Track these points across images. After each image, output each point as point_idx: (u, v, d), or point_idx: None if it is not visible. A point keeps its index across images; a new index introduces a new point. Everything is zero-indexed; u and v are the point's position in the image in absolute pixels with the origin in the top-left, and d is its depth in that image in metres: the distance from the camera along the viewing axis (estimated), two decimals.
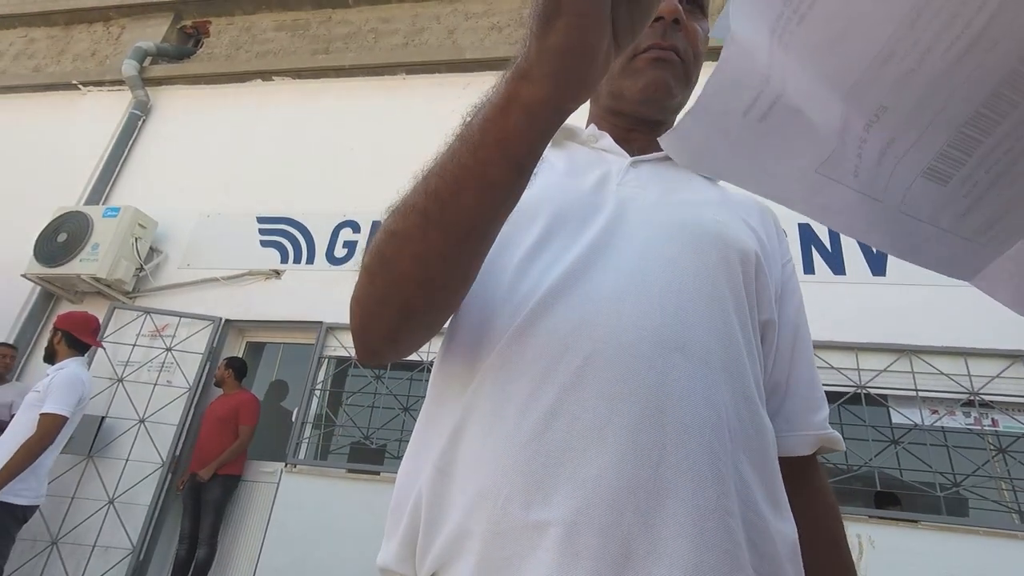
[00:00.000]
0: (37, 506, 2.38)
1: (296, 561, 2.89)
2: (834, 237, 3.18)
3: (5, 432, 2.39)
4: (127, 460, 3.19)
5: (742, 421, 0.43)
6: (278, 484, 3.09)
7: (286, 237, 3.77)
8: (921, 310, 2.81)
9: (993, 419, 2.70)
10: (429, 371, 3.39)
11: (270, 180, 3.97)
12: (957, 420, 2.72)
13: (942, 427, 2.70)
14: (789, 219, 2.97)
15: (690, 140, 0.32)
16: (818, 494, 0.55)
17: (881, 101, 0.27)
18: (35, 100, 4.77)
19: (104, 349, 3.23)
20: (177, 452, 3.24)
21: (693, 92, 0.58)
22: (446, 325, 0.50)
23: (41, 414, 2.33)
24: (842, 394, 2.77)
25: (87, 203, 4.01)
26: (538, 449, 0.39)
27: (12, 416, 2.85)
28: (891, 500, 2.69)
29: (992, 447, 2.68)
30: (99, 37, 5.05)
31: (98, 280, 3.53)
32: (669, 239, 0.48)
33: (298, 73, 4.35)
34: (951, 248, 0.30)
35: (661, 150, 0.59)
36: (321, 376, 3.38)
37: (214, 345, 3.48)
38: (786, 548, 0.43)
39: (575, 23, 0.28)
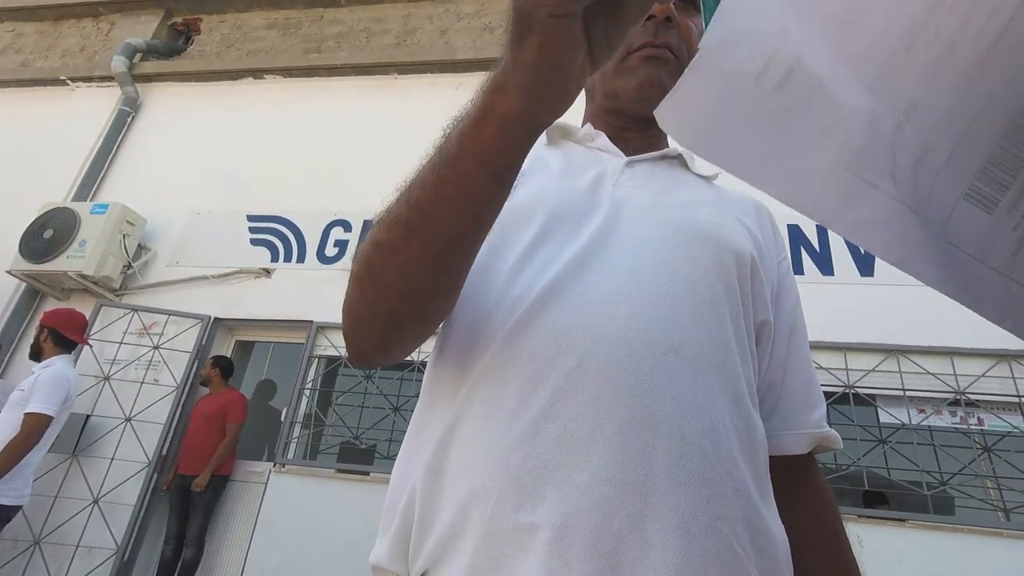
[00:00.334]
0: (21, 506, 2.35)
1: (285, 561, 2.86)
2: (823, 237, 3.20)
3: None
4: (112, 459, 3.15)
5: (734, 423, 0.43)
6: (266, 484, 3.06)
7: (276, 236, 3.75)
8: (908, 310, 2.84)
9: (979, 418, 2.73)
10: (420, 371, 3.39)
11: (261, 178, 3.95)
12: (944, 419, 2.75)
13: (929, 426, 2.72)
14: (778, 217, 3.00)
15: (693, 110, 0.26)
16: (817, 491, 0.55)
17: (909, 97, 0.24)
18: (23, 95, 4.71)
19: (91, 347, 3.19)
20: (164, 451, 3.21)
21: None
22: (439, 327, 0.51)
23: (25, 413, 2.30)
24: (831, 394, 2.79)
25: (75, 199, 3.96)
26: (529, 452, 0.39)
27: None
28: (879, 499, 2.71)
29: (978, 446, 2.71)
30: (88, 33, 5.00)
31: (85, 277, 3.49)
32: (663, 240, 0.48)
33: (289, 72, 4.33)
34: (1009, 295, 0.25)
35: (657, 149, 0.59)
36: (311, 375, 3.36)
37: (202, 343, 3.45)
38: (782, 547, 0.43)
39: (547, 40, 0.28)
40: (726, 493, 0.39)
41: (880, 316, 2.89)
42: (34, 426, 2.29)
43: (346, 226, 3.69)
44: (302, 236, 3.71)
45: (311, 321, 3.38)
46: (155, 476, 3.15)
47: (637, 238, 0.48)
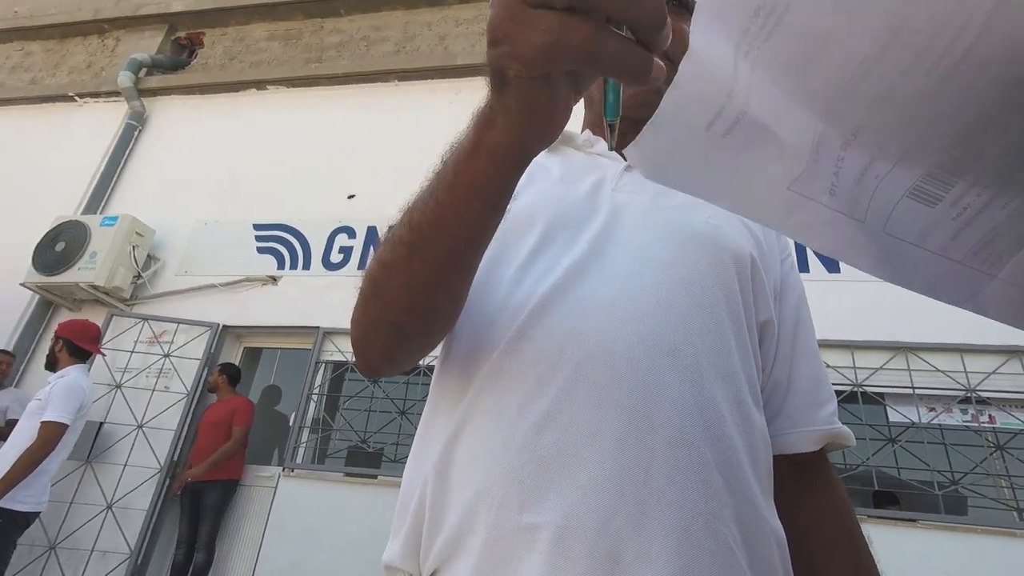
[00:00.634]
0: (39, 512, 2.40)
1: (294, 564, 2.90)
2: None
3: (8, 440, 2.41)
4: (125, 465, 3.21)
5: (735, 423, 0.43)
6: (276, 488, 3.10)
7: (282, 243, 3.79)
8: (917, 307, 2.79)
9: (990, 416, 2.68)
10: (426, 375, 3.41)
11: (266, 187, 4.00)
12: (954, 417, 2.70)
13: (939, 425, 2.68)
14: None
15: (653, 153, 0.31)
16: (829, 489, 0.54)
17: (858, 120, 0.26)
18: (32, 112, 4.82)
19: (104, 356, 3.25)
20: (175, 457, 3.26)
21: None
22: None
23: (42, 422, 2.35)
24: (839, 393, 2.74)
25: (85, 212, 4.05)
26: (532, 454, 0.40)
27: (7, 421, 2.88)
28: (889, 499, 2.68)
29: (990, 444, 2.66)
30: (94, 49, 5.10)
31: (96, 288, 3.56)
32: (662, 244, 0.48)
33: (291, 82, 4.38)
34: (941, 271, 0.29)
35: None
36: (318, 380, 3.39)
37: (211, 351, 3.50)
38: (779, 548, 0.43)
39: (523, 92, 0.29)
40: (724, 493, 0.40)
41: (888, 313, 2.85)
42: (50, 434, 2.34)
43: (350, 232, 3.73)
44: (307, 243, 3.75)
45: (318, 327, 3.42)
46: (167, 481, 3.20)
47: (636, 242, 0.49)
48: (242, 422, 3.14)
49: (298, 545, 2.94)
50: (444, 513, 0.42)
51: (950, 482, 2.56)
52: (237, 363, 3.68)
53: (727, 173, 0.30)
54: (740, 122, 0.28)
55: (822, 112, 0.26)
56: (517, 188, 0.55)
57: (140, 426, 3.31)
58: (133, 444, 3.27)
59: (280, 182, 4.00)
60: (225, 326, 3.60)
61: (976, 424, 2.66)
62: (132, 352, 3.46)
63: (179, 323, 3.55)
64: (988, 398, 2.66)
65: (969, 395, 2.67)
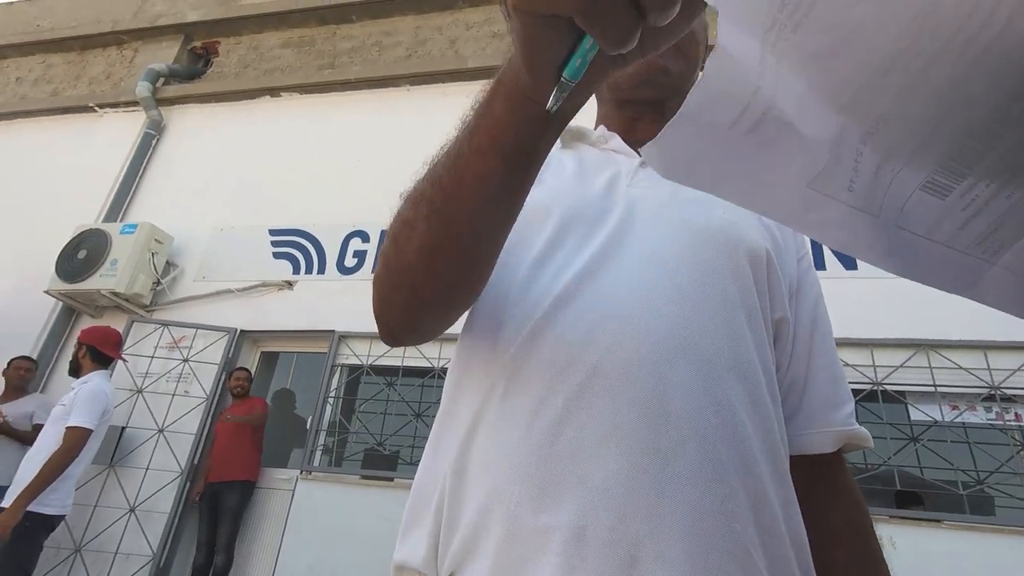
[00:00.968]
0: (64, 515, 2.45)
1: (313, 565, 2.92)
2: None
3: (34, 445, 2.46)
4: (147, 469, 3.27)
5: (752, 421, 0.43)
6: (294, 491, 3.13)
7: (297, 248, 3.84)
8: (937, 303, 2.75)
9: (1016, 413, 2.63)
10: (440, 377, 3.43)
11: (281, 193, 4.05)
12: (978, 415, 2.65)
13: (963, 423, 2.63)
14: None
15: (672, 152, 0.30)
16: (844, 492, 0.54)
17: (880, 113, 0.26)
18: (54, 123, 4.93)
19: (126, 362, 3.31)
20: (195, 460, 3.31)
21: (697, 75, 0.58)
22: (460, 327, 0.51)
23: (67, 428, 2.39)
24: (858, 391, 2.72)
25: (105, 220, 4.12)
26: (547, 454, 0.40)
27: (33, 426, 2.94)
28: (913, 499, 2.63)
29: (1016, 442, 2.61)
30: (113, 60, 5.21)
31: (117, 295, 3.62)
32: (677, 240, 0.48)
33: (305, 88, 4.43)
34: (947, 261, 0.29)
35: None
36: (334, 384, 3.42)
37: (230, 355, 3.55)
38: (798, 549, 0.43)
39: (521, 31, 0.29)
40: (740, 493, 0.40)
41: (907, 310, 2.81)
42: (75, 439, 2.39)
43: (364, 237, 3.76)
44: (322, 248, 3.79)
45: (333, 331, 3.45)
46: (188, 485, 3.25)
47: (651, 239, 0.48)
48: (261, 411, 3.25)
49: (316, 547, 2.96)
50: (460, 514, 0.42)
51: (975, 482, 2.51)
52: (254, 367, 3.73)
53: (746, 171, 0.30)
54: (765, 118, 0.28)
55: (845, 106, 0.26)
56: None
57: (161, 430, 3.36)
58: (154, 448, 3.32)
59: (295, 187, 4.04)
60: (242, 331, 3.64)
61: (1001, 422, 2.61)
62: (152, 357, 3.52)
63: (198, 328, 3.60)
64: (1013, 395, 2.61)
65: (993, 392, 2.62)
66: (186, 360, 3.53)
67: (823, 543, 0.49)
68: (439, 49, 4.39)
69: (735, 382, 0.43)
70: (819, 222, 0.30)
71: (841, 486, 0.54)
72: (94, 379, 2.58)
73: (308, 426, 3.31)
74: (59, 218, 4.13)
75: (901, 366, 2.76)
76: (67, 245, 3.77)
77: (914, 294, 2.84)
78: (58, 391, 3.26)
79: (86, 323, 3.71)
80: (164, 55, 4.95)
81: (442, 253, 0.39)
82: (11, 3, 5.89)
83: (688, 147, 0.30)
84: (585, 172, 0.56)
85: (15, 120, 5.09)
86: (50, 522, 2.38)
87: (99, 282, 3.59)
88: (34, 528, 2.31)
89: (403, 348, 3.32)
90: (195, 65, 5.08)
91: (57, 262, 3.71)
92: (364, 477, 3.11)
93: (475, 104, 0.36)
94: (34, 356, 3.60)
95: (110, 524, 3.17)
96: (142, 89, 4.52)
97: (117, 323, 3.47)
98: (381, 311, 0.44)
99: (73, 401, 2.46)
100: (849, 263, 3.06)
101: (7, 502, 2.26)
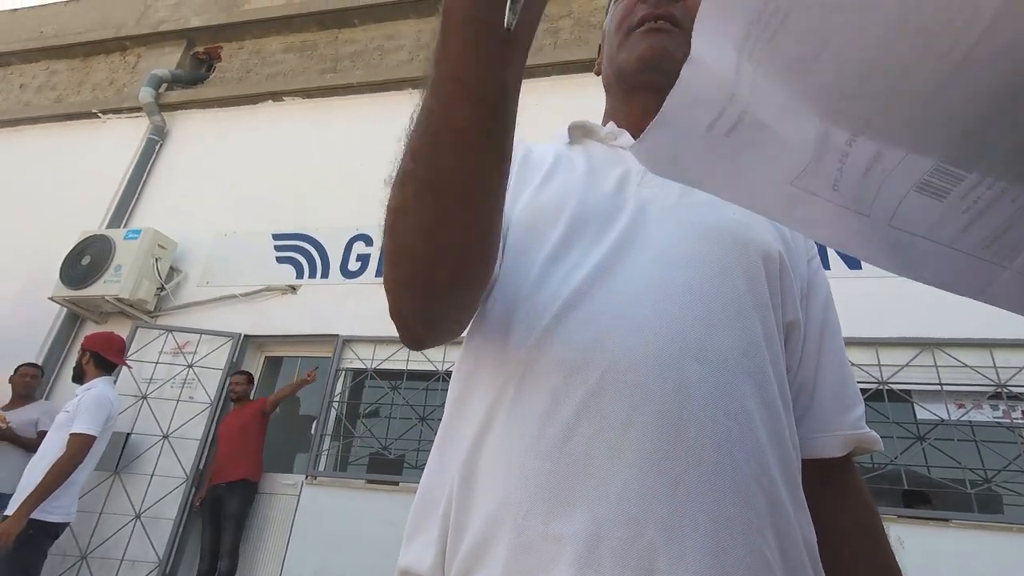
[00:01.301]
0: (68, 522, 2.44)
1: (318, 572, 2.91)
2: None
3: (38, 452, 2.46)
4: (152, 475, 3.26)
5: (765, 427, 0.42)
6: (299, 496, 3.12)
7: (301, 253, 3.84)
8: (942, 302, 2.74)
9: (1023, 411, 2.62)
10: (444, 380, 3.43)
11: (284, 198, 4.05)
12: (985, 413, 2.65)
13: (969, 421, 2.63)
14: None
15: (657, 151, 0.32)
16: (853, 493, 0.53)
17: (865, 116, 0.26)
18: (58, 129, 4.95)
19: (130, 368, 3.31)
20: (200, 466, 3.30)
21: None
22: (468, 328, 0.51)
23: (70, 434, 2.38)
24: (864, 391, 2.70)
25: (109, 226, 4.13)
26: (559, 461, 0.39)
27: (38, 433, 2.94)
28: (920, 499, 2.62)
29: (1023, 440, 2.60)
30: (116, 66, 5.23)
31: (121, 300, 3.63)
32: (688, 242, 0.47)
33: (307, 93, 4.45)
34: (952, 263, 0.29)
35: None
36: (338, 388, 3.42)
37: (234, 360, 3.55)
38: (810, 555, 0.43)
39: None
40: (756, 499, 0.39)
41: (912, 309, 2.81)
42: (79, 446, 2.38)
43: (367, 240, 3.76)
44: (325, 252, 3.80)
45: (337, 335, 3.45)
46: (192, 491, 3.24)
47: (662, 240, 0.48)
48: (267, 400, 3.28)
49: (322, 552, 2.95)
50: (468, 520, 0.41)
51: (983, 480, 2.50)
52: (258, 372, 3.73)
53: (730, 170, 0.31)
54: (742, 122, 0.29)
55: (827, 110, 0.26)
56: (541, 178, 0.55)
57: (166, 436, 3.36)
58: (159, 454, 3.32)
59: (298, 192, 4.05)
60: (246, 336, 3.64)
61: (1008, 420, 2.61)
62: (157, 363, 3.52)
63: (202, 334, 3.60)
64: (1020, 393, 2.61)
65: (1000, 390, 2.61)
66: (190, 365, 3.53)
67: (832, 545, 0.49)
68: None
69: (749, 386, 0.43)
70: (804, 218, 0.31)
71: (851, 488, 0.54)
72: (98, 385, 2.57)
73: (313, 431, 3.30)
74: (63, 224, 4.14)
75: (907, 365, 2.76)
76: (71, 251, 3.78)
77: (919, 293, 2.84)
78: (63, 398, 3.26)
79: (90, 329, 3.71)
80: (167, 61, 4.97)
81: (441, 227, 0.36)
82: (15, 10, 5.92)
83: (670, 147, 0.31)
84: (595, 170, 0.55)
85: (19, 127, 5.10)
86: (54, 529, 2.37)
87: (103, 288, 3.60)
88: (38, 536, 2.30)
89: (407, 352, 3.32)
90: (198, 70, 5.10)
91: (61, 268, 3.72)
92: (369, 481, 3.10)
93: (430, 55, 0.33)
94: (39, 363, 3.59)
95: (116, 531, 3.16)
96: (145, 95, 4.54)
97: (121, 329, 3.47)
98: (398, 311, 0.42)
99: (77, 408, 2.46)
100: (853, 263, 3.06)
101: (12, 510, 2.25)
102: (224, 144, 4.47)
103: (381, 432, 3.27)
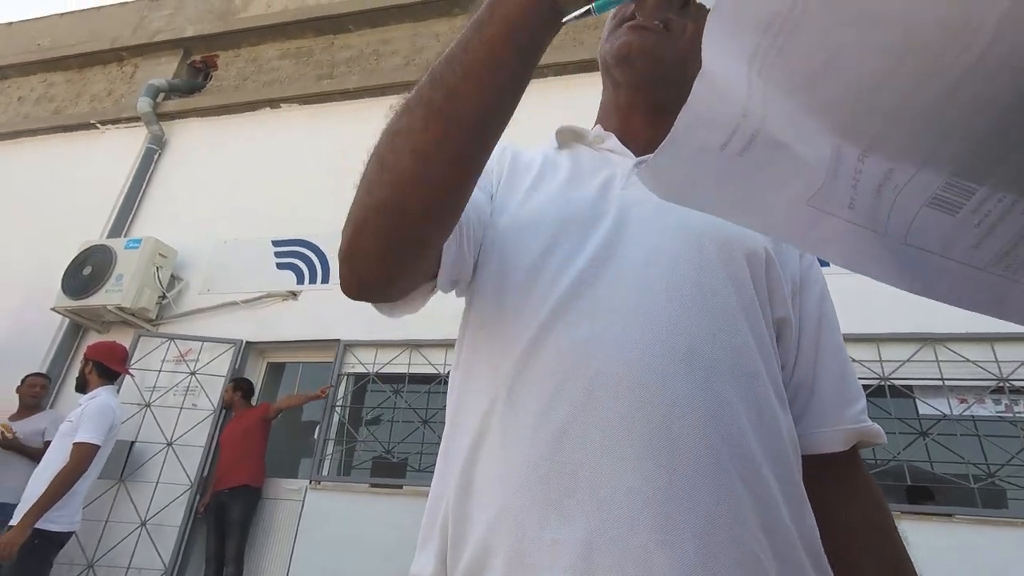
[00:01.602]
0: (73, 532, 2.45)
1: (324, 575, 2.92)
2: None
3: (41, 462, 2.47)
4: (157, 483, 3.27)
5: (753, 426, 0.43)
6: (303, 501, 3.13)
7: (301, 259, 3.85)
8: None
9: None
10: (447, 383, 3.41)
11: (283, 204, 4.06)
12: (987, 408, 2.64)
13: (972, 416, 2.62)
14: None
15: (668, 175, 0.31)
16: (861, 488, 0.53)
17: (875, 132, 0.26)
18: (57, 141, 4.97)
19: (132, 376, 3.32)
20: (204, 473, 3.32)
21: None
22: (459, 333, 0.51)
23: (74, 443, 2.39)
24: (866, 387, 2.70)
25: (110, 236, 4.15)
26: (551, 468, 0.40)
27: (44, 443, 2.96)
28: (924, 494, 2.62)
29: None
30: (114, 77, 5.25)
31: (123, 310, 3.64)
32: (672, 242, 0.48)
33: (304, 99, 4.46)
34: (966, 279, 0.29)
35: None
36: (341, 393, 3.43)
37: (236, 367, 3.56)
38: (808, 549, 0.43)
39: None
40: (746, 499, 0.40)
41: (913, 304, 2.78)
42: (83, 455, 2.39)
43: None
44: (325, 257, 3.81)
45: (338, 340, 3.46)
46: (197, 498, 3.25)
47: (646, 243, 0.48)
48: (270, 407, 3.29)
49: (327, 556, 2.96)
50: (467, 531, 0.42)
51: (986, 474, 2.50)
52: (260, 378, 3.74)
53: (744, 191, 0.30)
54: (756, 140, 0.28)
55: (838, 125, 0.26)
56: (527, 187, 0.55)
57: (170, 443, 3.37)
58: (164, 462, 3.33)
59: (296, 198, 4.06)
60: (248, 342, 3.65)
61: (1010, 414, 2.60)
62: (160, 371, 3.54)
63: (204, 341, 3.62)
64: (1022, 387, 2.60)
65: (1002, 385, 2.61)
66: (193, 373, 3.55)
67: (841, 541, 0.49)
68: (436, 56, 4.40)
69: (737, 386, 0.43)
70: (820, 239, 0.30)
71: (858, 483, 0.53)
72: (101, 394, 2.58)
73: (316, 436, 3.31)
74: (64, 235, 4.16)
75: (908, 360, 2.75)
76: (73, 262, 3.79)
77: None
78: (67, 407, 3.27)
79: (93, 339, 3.73)
80: (164, 70, 4.99)
81: (439, 153, 0.37)
82: (10, 23, 5.95)
83: (682, 170, 0.30)
84: (579, 176, 0.55)
85: (18, 139, 5.13)
86: (58, 539, 2.38)
87: (105, 298, 3.61)
88: (43, 545, 2.31)
89: (408, 356, 3.33)
90: (194, 79, 5.11)
91: (63, 279, 3.73)
92: (373, 485, 3.11)
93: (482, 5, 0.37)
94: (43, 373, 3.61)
95: (122, 539, 3.17)
96: (143, 105, 4.56)
97: (124, 338, 3.49)
98: (353, 244, 0.41)
99: (80, 417, 2.47)
100: None
101: (16, 520, 2.27)
102: (222, 152, 4.48)
103: (384, 436, 3.28)
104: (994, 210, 0.26)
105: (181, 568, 3.18)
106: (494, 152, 0.42)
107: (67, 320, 3.90)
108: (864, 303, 2.82)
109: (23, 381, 3.25)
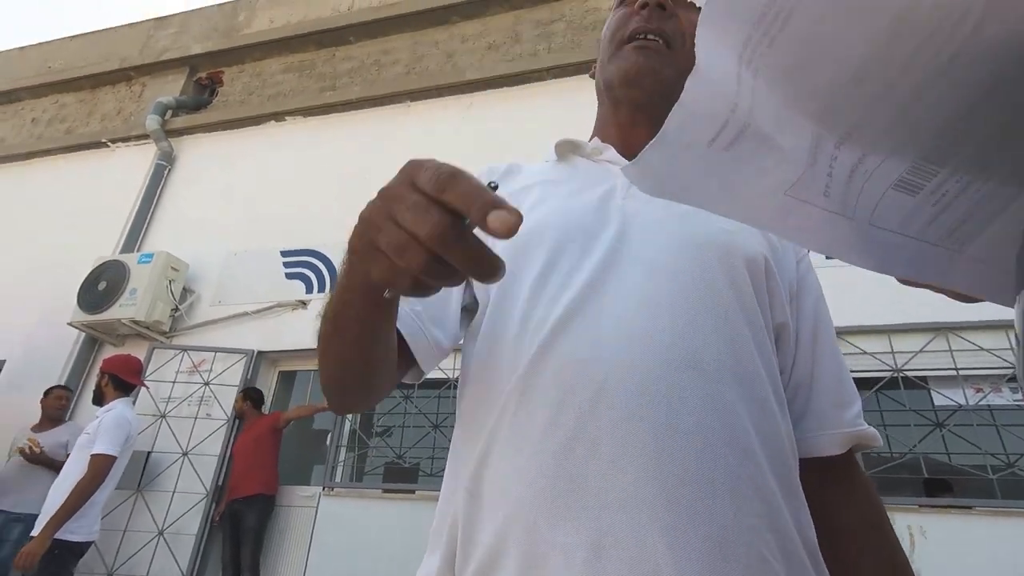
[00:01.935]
0: (92, 541, 2.49)
1: None
2: None
3: (60, 474, 2.52)
4: (174, 492, 3.32)
5: (758, 430, 0.44)
6: (317, 507, 3.15)
7: (309, 268, 3.90)
8: None
9: None
10: (455, 387, 3.44)
11: (291, 215, 4.12)
12: (1004, 397, 2.59)
13: (988, 405, 2.58)
14: None
15: (652, 172, 0.32)
16: (858, 490, 0.54)
17: (855, 119, 0.26)
18: (69, 160, 5.09)
19: (147, 388, 3.38)
20: (220, 482, 3.35)
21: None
22: (464, 348, 0.53)
23: (92, 455, 2.43)
24: (878, 379, 2.68)
25: (123, 251, 4.23)
26: (559, 474, 0.41)
27: (68, 455, 3.01)
28: (942, 487, 2.57)
29: None
30: (123, 96, 5.37)
31: (137, 323, 3.71)
32: (674, 253, 0.49)
33: (308, 111, 4.52)
34: (920, 253, 0.30)
35: None
36: None
37: (248, 376, 3.60)
38: (809, 550, 0.44)
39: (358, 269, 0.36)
40: (753, 502, 0.41)
41: (923, 295, 2.68)
42: (100, 466, 2.43)
43: None
44: (333, 266, 3.85)
45: None
46: (213, 506, 3.29)
47: (648, 253, 0.49)
48: (282, 415, 3.31)
49: (342, 562, 2.98)
50: (477, 536, 0.43)
51: (1006, 465, 2.45)
52: (272, 387, 3.78)
53: (726, 184, 0.31)
54: (743, 134, 0.29)
55: (820, 114, 0.27)
56: (528, 203, 0.56)
57: (185, 453, 3.42)
58: (180, 471, 3.38)
59: (303, 208, 4.11)
60: (260, 352, 3.70)
61: None
62: (174, 382, 3.59)
63: (216, 352, 3.67)
64: None
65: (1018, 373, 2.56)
66: (207, 383, 3.60)
67: (837, 541, 0.49)
68: (437, 64, 4.45)
69: (740, 389, 0.44)
70: (797, 227, 0.31)
71: (855, 485, 0.54)
72: (117, 406, 2.63)
73: (328, 442, 3.34)
74: (79, 251, 4.25)
75: (921, 351, 2.72)
76: (87, 277, 3.87)
77: None
78: (84, 420, 3.33)
79: (108, 352, 3.80)
80: (171, 88, 5.09)
81: (351, 360, 0.43)
82: (23, 47, 6.11)
83: (667, 166, 0.31)
84: (580, 187, 0.56)
85: (32, 160, 5.26)
86: (78, 548, 2.42)
87: (119, 311, 3.68)
88: (62, 555, 2.35)
89: None
90: (201, 95, 5.21)
91: (79, 294, 3.81)
92: (386, 490, 3.12)
93: (341, 271, 0.40)
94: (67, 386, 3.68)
95: (140, 548, 3.22)
96: (151, 122, 4.65)
97: (138, 350, 3.55)
98: (324, 389, 0.49)
99: (97, 429, 2.51)
100: None
101: (37, 531, 2.31)
102: (230, 165, 4.55)
103: (395, 441, 3.30)
104: (951, 190, 0.27)
105: (198, 575, 3.22)
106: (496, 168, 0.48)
107: (83, 334, 3.97)
108: (874, 294, 2.79)
109: (48, 393, 3.29)
